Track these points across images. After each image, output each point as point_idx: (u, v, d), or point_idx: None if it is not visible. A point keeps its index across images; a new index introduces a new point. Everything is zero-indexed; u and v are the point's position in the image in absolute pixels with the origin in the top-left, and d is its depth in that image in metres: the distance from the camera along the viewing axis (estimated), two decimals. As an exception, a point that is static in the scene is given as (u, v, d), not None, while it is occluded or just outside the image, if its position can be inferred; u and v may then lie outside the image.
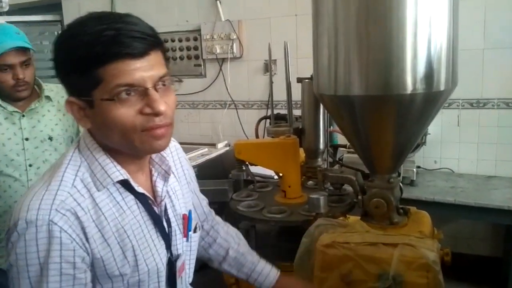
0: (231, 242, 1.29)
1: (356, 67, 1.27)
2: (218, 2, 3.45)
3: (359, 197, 1.48)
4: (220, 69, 3.56)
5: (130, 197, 0.93)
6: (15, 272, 0.84)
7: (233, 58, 3.48)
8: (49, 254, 0.82)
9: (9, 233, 0.85)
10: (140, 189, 0.94)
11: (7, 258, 0.86)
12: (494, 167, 2.89)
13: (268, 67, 3.38)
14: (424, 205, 2.09)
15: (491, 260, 2.99)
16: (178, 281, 1.01)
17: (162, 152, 1.00)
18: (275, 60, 3.27)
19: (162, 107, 0.85)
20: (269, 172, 2.19)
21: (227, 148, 3.48)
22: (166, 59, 0.91)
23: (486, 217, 2.52)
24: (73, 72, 0.84)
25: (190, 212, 1.08)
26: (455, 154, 2.99)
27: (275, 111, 2.17)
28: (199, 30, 3.56)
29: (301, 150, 1.78)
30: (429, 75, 1.25)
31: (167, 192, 1.01)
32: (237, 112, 3.57)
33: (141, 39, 0.83)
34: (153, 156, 1.01)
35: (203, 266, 3.35)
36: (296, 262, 1.35)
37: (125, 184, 0.92)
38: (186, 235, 1.05)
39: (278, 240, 1.76)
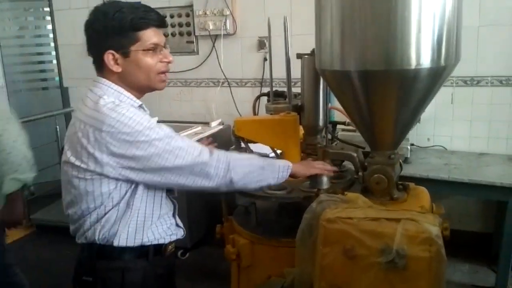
0: None
1: (360, 41, 1.26)
2: (211, -24, 3.37)
3: (360, 173, 1.49)
4: (213, 46, 3.50)
5: None
6: (144, 138, 1.25)
7: (226, 35, 3.42)
8: (145, 117, 1.28)
9: (113, 135, 1.23)
10: (149, 113, 1.40)
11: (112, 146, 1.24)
12: (487, 145, 2.93)
13: (262, 44, 3.36)
14: (418, 182, 2.06)
15: (483, 236, 3.05)
16: None
17: None
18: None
19: (171, 58, 1.39)
20: (264, 150, 2.19)
21: (221, 127, 3.46)
22: None
23: (479, 194, 2.57)
24: (119, 34, 1.29)
25: None
26: (448, 132, 3.02)
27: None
28: (191, 6, 3.48)
29: (300, 128, 1.77)
30: (434, 49, 1.24)
31: None
32: (230, 90, 3.53)
33: (160, 16, 1.36)
34: None
35: (197, 243, 3.36)
36: (297, 238, 1.36)
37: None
38: None
39: (278, 216, 1.76)
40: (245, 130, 1.67)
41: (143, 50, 1.31)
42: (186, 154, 1.29)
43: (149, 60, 1.33)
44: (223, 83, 3.55)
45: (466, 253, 2.93)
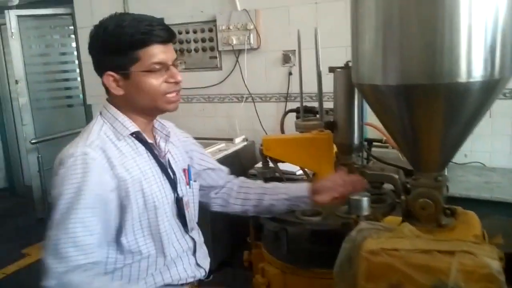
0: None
1: (403, 52, 1.14)
2: (234, -10, 3.31)
3: (402, 197, 1.35)
4: (237, 61, 3.42)
5: (142, 148, 1.24)
6: (57, 191, 1.10)
7: (250, 50, 3.34)
8: (84, 175, 1.10)
9: (55, 170, 1.14)
10: (149, 140, 1.26)
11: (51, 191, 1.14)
12: (529, 161, 2.73)
13: (286, 58, 3.26)
14: (457, 202, 1.94)
15: (526, 258, 2.84)
16: (186, 213, 1.30)
17: (163, 123, 1.35)
18: (294, 50, 3.14)
19: (180, 77, 1.22)
20: (291, 168, 2.07)
21: (245, 143, 3.36)
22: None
23: (524, 214, 2.37)
24: (117, 53, 1.15)
25: (189, 166, 1.39)
26: (486, 147, 2.83)
27: (297, 104, 2.03)
28: (214, 21, 3.42)
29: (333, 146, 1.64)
30: (488, 60, 1.11)
31: (169, 151, 1.32)
32: (254, 105, 3.43)
33: (166, 30, 1.19)
34: (156, 125, 1.32)
35: (221, 264, 3.24)
36: (335, 270, 1.22)
37: (137, 138, 1.23)
38: (188, 183, 1.35)
39: (312, 243, 1.62)
40: (274, 149, 1.55)
41: (143, 71, 1.16)
42: (56, 254, 1.07)
43: (153, 81, 1.17)
44: (247, 98, 3.46)
45: (509, 276, 2.71)
